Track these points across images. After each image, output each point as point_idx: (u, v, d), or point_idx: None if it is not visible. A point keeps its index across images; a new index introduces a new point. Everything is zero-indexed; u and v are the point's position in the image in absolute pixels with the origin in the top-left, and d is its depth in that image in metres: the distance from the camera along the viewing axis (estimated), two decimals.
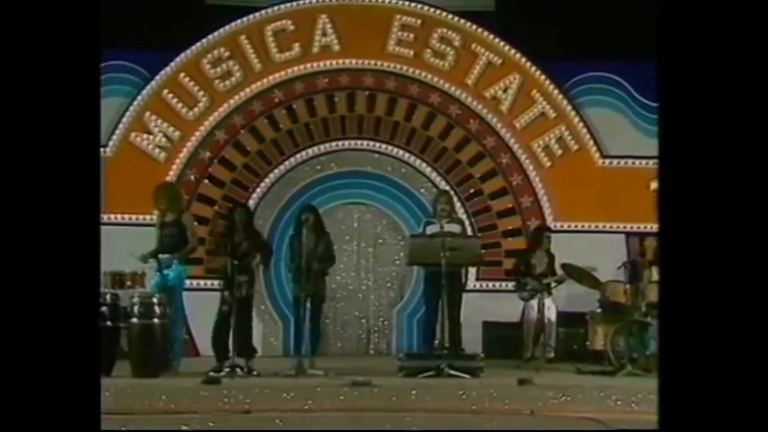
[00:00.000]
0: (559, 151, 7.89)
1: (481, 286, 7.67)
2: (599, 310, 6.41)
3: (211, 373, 5.21)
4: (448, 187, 7.63)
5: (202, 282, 7.25)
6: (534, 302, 6.48)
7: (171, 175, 7.58)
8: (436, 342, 5.82)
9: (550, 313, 6.56)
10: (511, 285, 7.37)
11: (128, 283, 6.66)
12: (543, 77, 7.91)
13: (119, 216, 7.21)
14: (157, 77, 7.68)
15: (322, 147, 7.76)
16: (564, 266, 6.43)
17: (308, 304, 5.70)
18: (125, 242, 5.74)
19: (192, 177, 7.61)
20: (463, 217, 7.61)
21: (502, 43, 7.87)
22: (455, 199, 7.59)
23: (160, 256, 5.61)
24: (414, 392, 4.62)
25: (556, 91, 7.90)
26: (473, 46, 7.85)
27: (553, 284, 6.58)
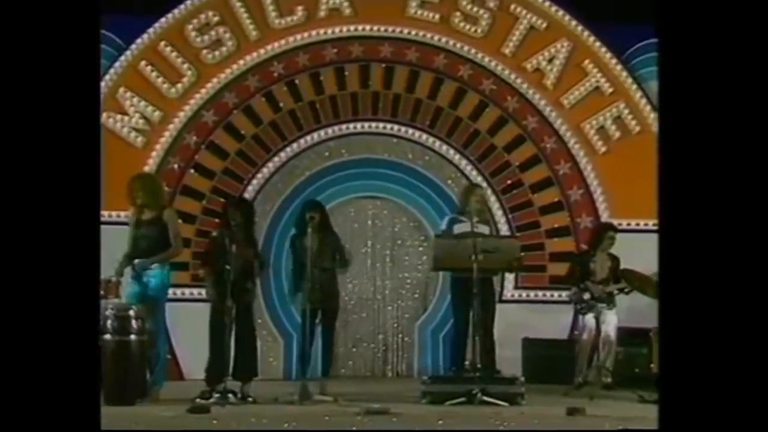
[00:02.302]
0: (617, 134, 7.79)
1: (520, 295, 7.64)
2: None
3: (199, 400, 5.23)
4: (480, 179, 7.61)
5: (187, 291, 7.27)
6: (591, 316, 6.39)
7: (150, 164, 7.58)
8: (467, 362, 5.83)
9: (610, 329, 6.46)
10: (557, 294, 7.30)
11: (101, 292, 6.68)
12: (597, 44, 7.81)
13: None
14: (133, 46, 7.66)
15: (330, 130, 7.79)
16: (624, 273, 6.33)
17: (317, 318, 5.75)
18: None
19: (175, 166, 7.61)
20: (499, 213, 7.61)
21: (547, 3, 7.81)
22: (489, 192, 7.54)
23: (137, 261, 5.59)
24: (441, 422, 4.57)
25: (613, 61, 7.79)
26: (512, 7, 7.80)
27: (615, 292, 6.46)
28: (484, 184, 7.56)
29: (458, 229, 5.89)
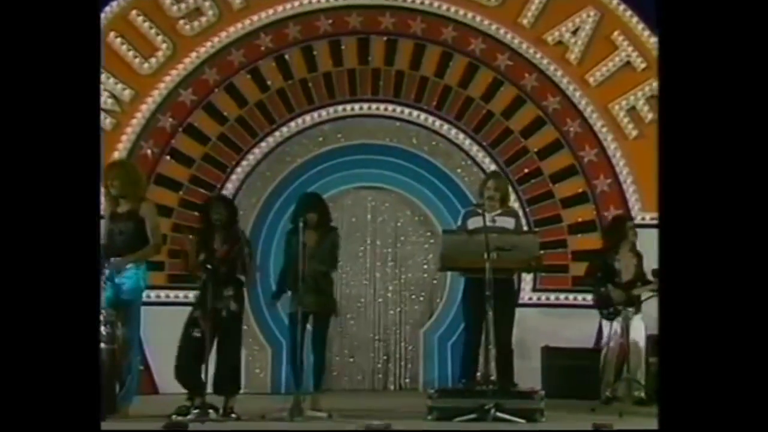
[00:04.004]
0: (650, 115, 7.74)
1: (539, 298, 7.64)
2: None
3: (176, 416, 5.23)
4: (494, 167, 7.61)
5: (163, 294, 7.28)
6: (617, 322, 6.38)
7: (120, 149, 7.57)
8: (479, 374, 5.81)
9: (638, 337, 6.44)
10: (581, 298, 7.29)
11: None
12: (628, 13, 7.78)
13: None
14: (101, 16, 7.53)
15: (324, 112, 7.80)
16: (656, 272, 6.30)
17: (309, 324, 5.79)
18: None
19: (148, 151, 7.60)
20: (515, 206, 7.49)
21: None
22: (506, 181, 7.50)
23: (111, 259, 5.59)
24: None
25: (646, 32, 7.75)
26: None
27: (644, 296, 6.44)
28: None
29: (474, 224, 5.83)
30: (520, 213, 7.46)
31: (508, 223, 5.92)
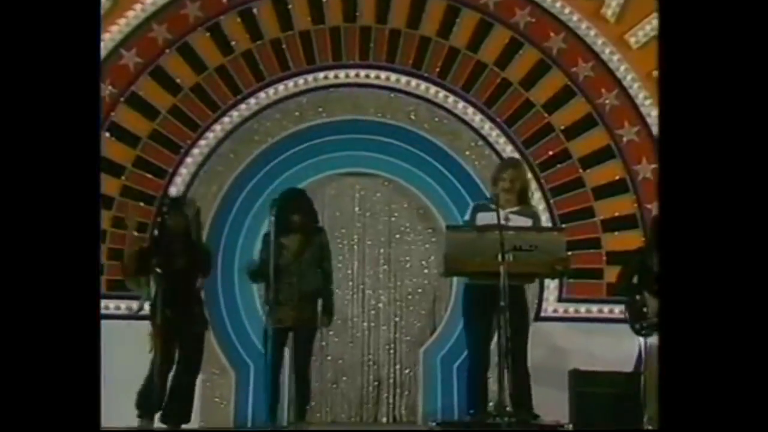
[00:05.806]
0: None
1: (566, 311, 7.60)
2: None
3: None
4: (510, 149, 7.61)
5: (102, 303, 7.13)
6: (654, 338, 6.26)
7: None
8: (491, 403, 5.83)
9: None
10: (618, 310, 7.19)
11: None
12: None
13: None
14: None
15: (301, 80, 7.74)
16: None
17: (289, 342, 5.98)
18: None
19: None
20: (537, 196, 7.56)
21: None
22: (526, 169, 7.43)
23: None
24: None
25: None
26: None
27: None
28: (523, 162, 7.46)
29: (484, 220, 5.79)
30: (543, 206, 7.59)
31: (524, 223, 5.88)
